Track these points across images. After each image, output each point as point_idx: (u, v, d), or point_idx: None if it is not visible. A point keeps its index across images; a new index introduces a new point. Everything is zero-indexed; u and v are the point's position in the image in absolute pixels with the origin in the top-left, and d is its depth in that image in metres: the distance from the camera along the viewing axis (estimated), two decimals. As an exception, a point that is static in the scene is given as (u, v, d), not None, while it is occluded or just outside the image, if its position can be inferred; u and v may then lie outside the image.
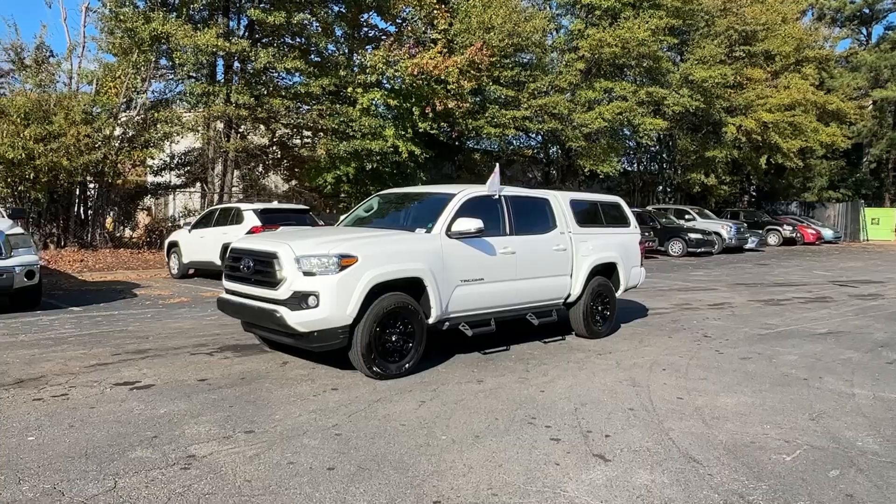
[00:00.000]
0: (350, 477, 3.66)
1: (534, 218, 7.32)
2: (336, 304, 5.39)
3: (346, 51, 19.60)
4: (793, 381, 6.09)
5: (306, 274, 5.46)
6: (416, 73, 18.41)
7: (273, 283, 5.61)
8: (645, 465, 3.96)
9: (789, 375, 6.33)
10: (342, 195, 21.25)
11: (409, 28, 21.57)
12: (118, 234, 19.76)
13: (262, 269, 5.76)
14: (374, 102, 18.82)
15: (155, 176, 21.30)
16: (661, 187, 35.17)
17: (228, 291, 6.25)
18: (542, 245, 7.25)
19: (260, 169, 23.40)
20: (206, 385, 5.45)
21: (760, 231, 28.75)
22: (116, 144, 17.04)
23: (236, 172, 20.81)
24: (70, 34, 17.97)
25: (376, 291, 5.65)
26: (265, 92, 18.28)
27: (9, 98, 15.95)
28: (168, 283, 13.45)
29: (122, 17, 16.66)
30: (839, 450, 4.32)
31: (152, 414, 4.65)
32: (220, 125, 19.24)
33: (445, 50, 19.95)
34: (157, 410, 4.74)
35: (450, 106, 19.54)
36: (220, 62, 19.04)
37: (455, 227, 6.25)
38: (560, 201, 7.75)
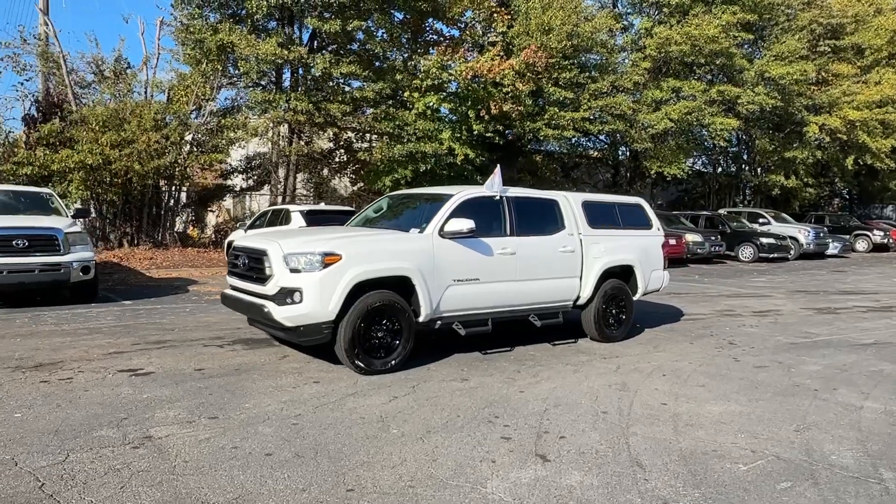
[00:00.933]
0: (282, 463, 3.81)
1: (539, 219, 7.25)
2: (318, 300, 5.58)
3: (404, 55, 19.93)
4: (800, 392, 5.77)
5: (293, 271, 5.69)
6: (470, 76, 18.51)
7: (263, 279, 5.87)
8: (583, 468, 3.89)
9: (800, 386, 6.00)
10: (401, 197, 21.60)
11: (469, 32, 21.68)
12: (189, 235, 20.92)
13: (254, 265, 6.05)
14: (429, 106, 19.05)
15: (224, 179, 22.45)
16: (738, 189, 33.59)
17: (231, 287, 6.59)
18: (547, 246, 7.18)
19: (325, 172, 24.17)
20: (199, 374, 5.77)
21: (847, 236, 26.94)
22: (186, 149, 18.11)
23: (300, 176, 21.60)
24: (147, 47, 19.14)
25: (362, 288, 5.80)
26: (324, 98, 18.89)
27: (89, 108, 17.28)
28: (223, 280, 14.12)
29: (192, 30, 17.72)
30: (806, 462, 4.09)
31: (135, 398, 4.98)
32: (283, 130, 20.05)
33: (503, 53, 19.92)
34: (141, 395, 5.07)
35: (505, 109, 19.51)
36: (287, 70, 19.85)
37: (448, 228, 6.31)
38: (571, 203, 7.64)
